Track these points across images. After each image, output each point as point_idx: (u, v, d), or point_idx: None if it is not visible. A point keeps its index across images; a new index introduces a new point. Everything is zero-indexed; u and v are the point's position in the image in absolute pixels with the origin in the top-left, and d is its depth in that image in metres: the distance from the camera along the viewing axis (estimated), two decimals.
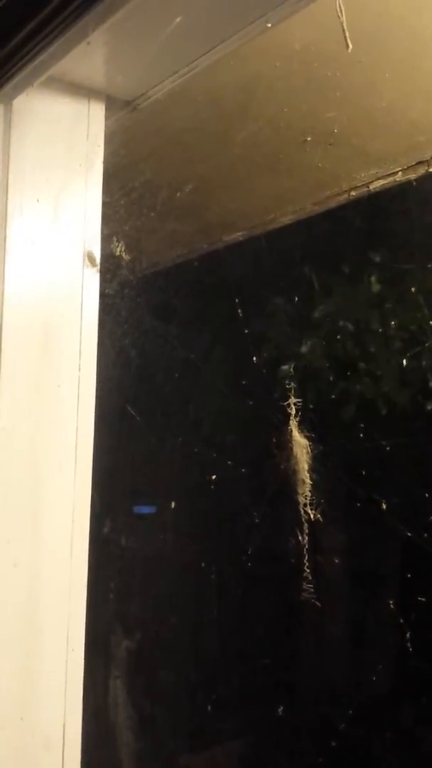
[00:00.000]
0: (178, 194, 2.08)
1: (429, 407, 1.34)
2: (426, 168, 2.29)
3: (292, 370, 1.39)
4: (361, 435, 1.35)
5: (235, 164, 2.15)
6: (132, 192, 1.67)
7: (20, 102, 1.50)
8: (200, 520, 1.60)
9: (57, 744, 1.39)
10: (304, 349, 1.49)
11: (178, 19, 1.19)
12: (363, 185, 2.41)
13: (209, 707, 1.56)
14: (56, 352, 1.49)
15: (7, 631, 1.34)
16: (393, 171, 2.35)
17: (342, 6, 1.30)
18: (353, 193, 2.45)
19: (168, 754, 1.71)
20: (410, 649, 1.29)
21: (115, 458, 1.53)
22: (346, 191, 2.45)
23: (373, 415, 1.37)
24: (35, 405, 1.46)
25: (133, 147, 1.67)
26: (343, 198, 2.47)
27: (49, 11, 1.18)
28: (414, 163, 2.30)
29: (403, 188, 2.35)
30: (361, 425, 1.36)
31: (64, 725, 1.40)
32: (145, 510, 1.73)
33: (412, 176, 2.35)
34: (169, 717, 1.71)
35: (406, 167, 2.32)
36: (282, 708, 1.40)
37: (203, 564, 1.57)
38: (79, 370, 1.52)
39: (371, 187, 2.40)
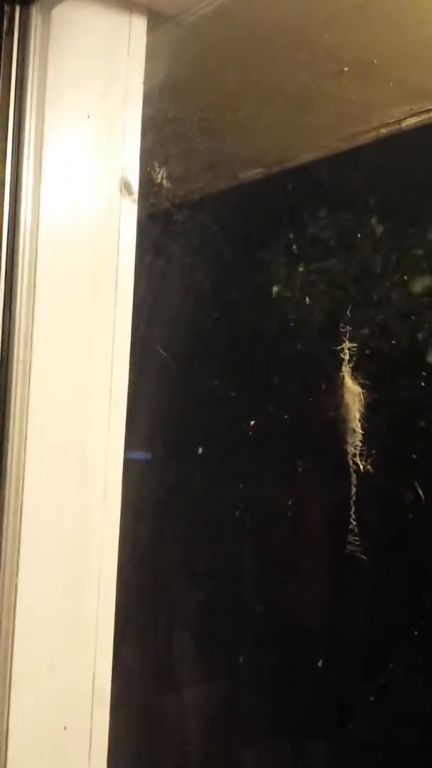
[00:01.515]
0: (208, 122, 1.98)
1: None
2: None
3: (348, 312, 1.30)
4: (423, 384, 1.28)
5: (269, 92, 2.05)
6: (170, 115, 1.56)
7: (59, 12, 1.38)
8: (237, 467, 1.53)
9: (87, 693, 1.35)
10: (359, 291, 1.41)
11: None
12: (395, 122, 2.30)
13: (245, 663, 1.52)
14: (92, 287, 1.40)
15: (47, 577, 1.28)
16: (429, 108, 2.25)
17: None
18: (383, 130, 2.34)
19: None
20: None
21: (150, 397, 1.46)
22: (375, 128, 2.34)
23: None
24: (71, 338, 1.37)
25: (174, 67, 1.56)
26: (371, 135, 2.36)
27: None
28: None
29: None
30: (423, 373, 1.29)
31: (94, 674, 1.35)
32: (167, 452, 1.66)
33: None
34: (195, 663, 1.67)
35: None
36: (322, 662, 1.36)
37: (238, 513, 1.51)
38: (116, 304, 1.43)
39: (404, 124, 2.29)
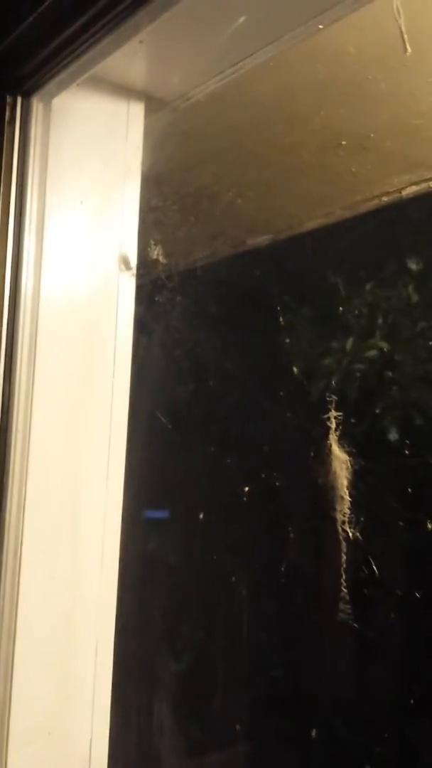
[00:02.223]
0: (210, 197, 2.05)
1: None
2: None
3: (333, 382, 1.34)
4: (407, 452, 1.31)
5: (268, 167, 2.12)
6: (168, 194, 1.64)
7: (60, 101, 1.46)
8: (231, 532, 1.56)
9: (83, 760, 1.36)
10: (345, 361, 1.45)
11: (237, 20, 1.15)
12: (395, 191, 2.37)
13: (238, 728, 1.53)
14: (91, 358, 1.46)
15: (43, 645, 1.31)
16: (427, 177, 2.31)
17: (400, 8, 1.26)
18: (384, 198, 2.41)
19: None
20: None
21: (146, 467, 1.50)
22: (377, 196, 2.41)
23: (419, 430, 1.33)
24: (69, 409, 1.42)
25: (171, 149, 1.64)
26: (373, 203, 2.43)
27: (100, 6, 1.14)
28: None
29: None
30: (407, 441, 1.32)
31: (91, 741, 1.37)
32: (165, 517, 1.69)
33: None
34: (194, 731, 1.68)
35: None
36: (316, 732, 1.37)
37: (234, 578, 1.53)
38: (113, 375, 1.48)
39: (404, 193, 2.36)
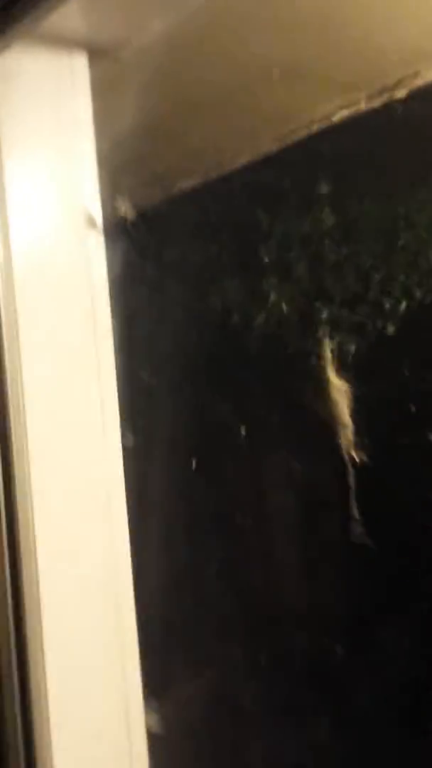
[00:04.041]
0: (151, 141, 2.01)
1: None
2: (390, 95, 2.26)
3: (324, 313, 1.36)
4: (406, 372, 1.34)
5: (199, 105, 2.09)
6: (121, 142, 1.61)
7: (3, 62, 1.42)
8: (232, 474, 1.58)
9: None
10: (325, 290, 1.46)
11: None
12: (326, 117, 2.36)
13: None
14: (71, 323, 1.45)
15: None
16: (356, 100, 2.31)
17: None
18: (315, 126, 2.40)
19: None
20: None
21: (142, 414, 1.51)
22: (307, 125, 2.40)
23: (414, 351, 1.36)
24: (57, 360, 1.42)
25: (119, 98, 1.61)
26: (303, 132, 2.42)
27: None
28: (378, 90, 2.27)
29: (367, 117, 2.31)
30: (405, 361, 1.34)
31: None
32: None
33: (375, 104, 2.32)
34: None
35: (369, 95, 2.28)
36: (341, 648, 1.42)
37: (243, 521, 1.56)
38: (95, 332, 1.48)
39: (334, 118, 2.35)
